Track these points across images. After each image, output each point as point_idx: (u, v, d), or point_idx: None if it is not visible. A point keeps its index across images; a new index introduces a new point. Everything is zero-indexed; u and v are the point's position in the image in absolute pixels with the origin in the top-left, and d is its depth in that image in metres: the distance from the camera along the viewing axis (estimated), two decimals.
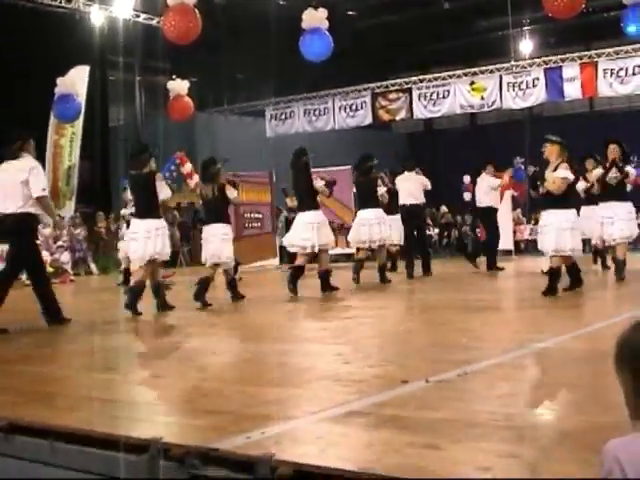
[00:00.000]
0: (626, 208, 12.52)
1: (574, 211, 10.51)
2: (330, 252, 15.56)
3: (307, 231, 12.23)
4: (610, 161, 12.40)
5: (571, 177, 10.15)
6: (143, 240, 10.36)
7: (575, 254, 10.41)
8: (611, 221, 12.39)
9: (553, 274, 10.25)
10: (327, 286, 12.25)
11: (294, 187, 13.39)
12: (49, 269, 19.04)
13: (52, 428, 3.93)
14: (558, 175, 10.05)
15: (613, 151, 12.43)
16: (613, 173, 12.36)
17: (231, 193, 11.59)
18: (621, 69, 22.31)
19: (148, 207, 10.60)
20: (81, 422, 4.06)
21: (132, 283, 10.80)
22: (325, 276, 12.32)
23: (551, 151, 10.25)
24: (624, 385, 2.13)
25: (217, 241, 11.24)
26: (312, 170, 12.82)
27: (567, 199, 10.33)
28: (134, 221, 10.83)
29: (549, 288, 10.08)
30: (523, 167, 23.70)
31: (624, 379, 2.13)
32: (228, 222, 11.64)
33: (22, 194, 9.04)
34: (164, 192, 10.85)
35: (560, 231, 10.13)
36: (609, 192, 12.45)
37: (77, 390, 5.33)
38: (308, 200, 12.58)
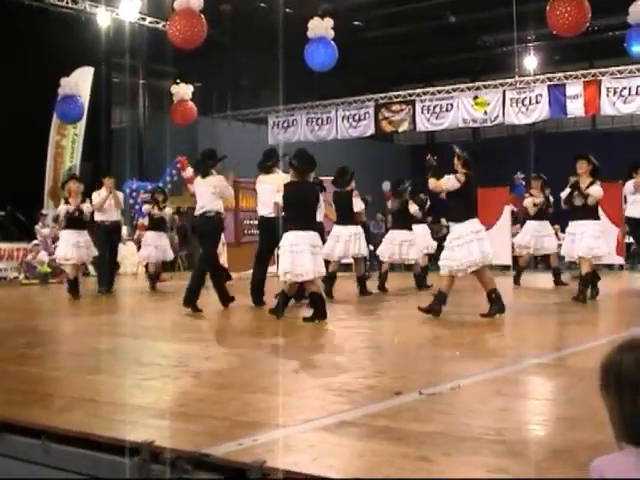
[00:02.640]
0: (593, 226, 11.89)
1: (316, 234, 9.79)
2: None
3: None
4: (573, 183, 11.93)
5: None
6: (343, 242, 13.39)
7: (302, 279, 9.64)
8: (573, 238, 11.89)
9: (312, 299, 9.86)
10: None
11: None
12: (46, 269, 19.09)
13: (45, 428, 3.94)
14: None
15: (581, 168, 11.76)
16: (576, 196, 11.92)
17: (412, 207, 14.74)
18: (624, 88, 22.36)
19: (348, 217, 13.63)
20: (74, 423, 4.07)
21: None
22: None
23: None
24: (609, 406, 2.15)
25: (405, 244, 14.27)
26: None
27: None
28: (336, 227, 13.76)
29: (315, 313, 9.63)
30: (524, 182, 23.80)
31: (609, 401, 2.15)
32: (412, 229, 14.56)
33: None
34: (358, 205, 14.10)
35: (296, 254, 9.53)
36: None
37: (71, 391, 5.33)
38: None
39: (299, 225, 9.67)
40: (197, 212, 11.42)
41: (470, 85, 25.75)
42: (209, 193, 11.17)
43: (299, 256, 9.51)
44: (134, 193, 23.64)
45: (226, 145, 25.95)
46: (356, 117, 26.87)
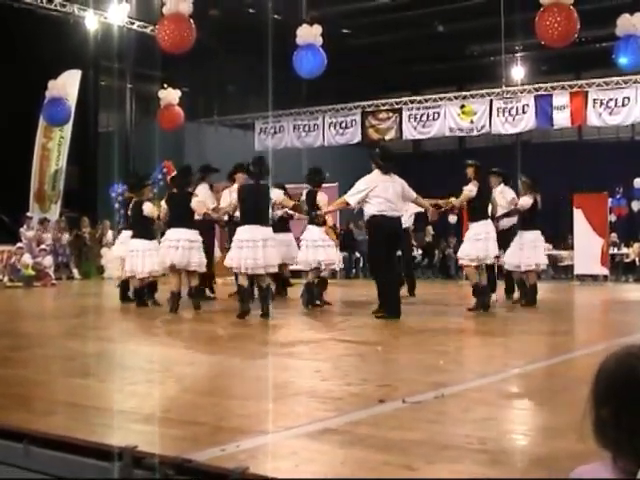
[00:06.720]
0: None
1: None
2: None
3: None
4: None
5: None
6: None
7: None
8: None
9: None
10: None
11: None
12: (31, 271, 19.01)
13: (27, 432, 3.92)
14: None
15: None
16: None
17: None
18: (610, 100, 22.45)
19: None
20: (57, 427, 4.06)
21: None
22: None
23: None
24: (592, 414, 2.16)
25: None
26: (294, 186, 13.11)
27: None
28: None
29: None
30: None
31: (594, 409, 2.16)
32: None
33: None
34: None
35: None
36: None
37: (54, 395, 5.31)
38: None
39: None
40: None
41: (457, 94, 25.81)
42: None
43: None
44: (120, 197, 23.57)
45: (212, 151, 25.95)
46: (343, 124, 26.88)
